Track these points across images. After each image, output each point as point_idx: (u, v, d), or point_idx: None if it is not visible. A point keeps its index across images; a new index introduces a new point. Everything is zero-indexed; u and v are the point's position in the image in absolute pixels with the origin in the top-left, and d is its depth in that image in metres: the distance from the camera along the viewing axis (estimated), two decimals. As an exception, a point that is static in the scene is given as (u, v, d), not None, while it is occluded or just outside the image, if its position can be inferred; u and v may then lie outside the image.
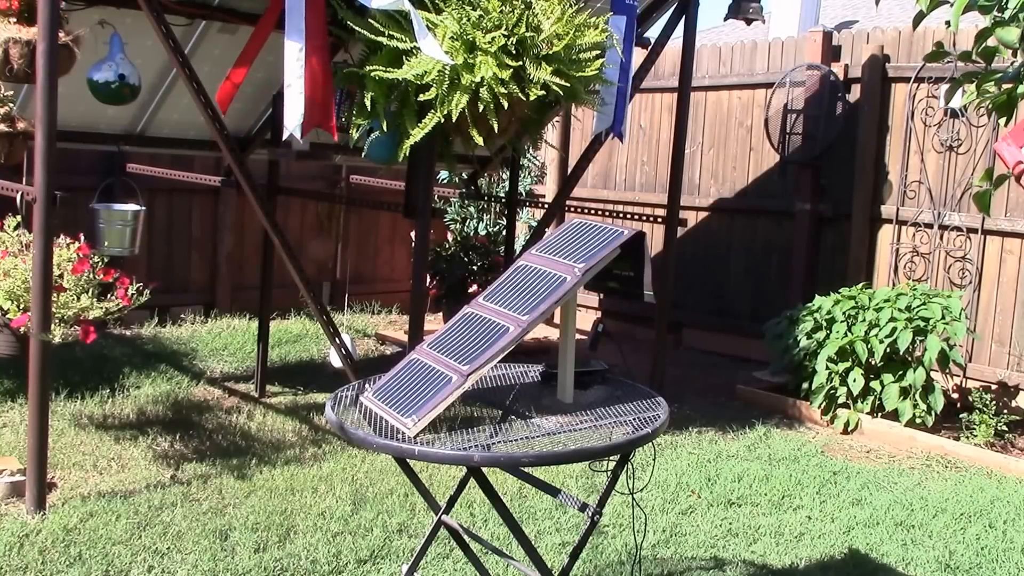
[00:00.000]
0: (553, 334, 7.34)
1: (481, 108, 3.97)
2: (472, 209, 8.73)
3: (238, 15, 4.81)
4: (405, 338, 6.49)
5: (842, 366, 5.93)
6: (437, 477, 4.60)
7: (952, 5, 2.81)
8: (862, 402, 5.91)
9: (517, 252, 6.90)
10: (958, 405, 6.17)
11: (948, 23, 2.90)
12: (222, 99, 4.32)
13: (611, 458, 2.58)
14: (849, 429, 5.91)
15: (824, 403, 6.01)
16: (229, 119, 5.28)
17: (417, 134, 4.08)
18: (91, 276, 4.46)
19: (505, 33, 3.94)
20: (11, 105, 4.30)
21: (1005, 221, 6.39)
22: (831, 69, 7.18)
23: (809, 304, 6.29)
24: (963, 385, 6.40)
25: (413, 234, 6.16)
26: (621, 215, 6.71)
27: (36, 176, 3.95)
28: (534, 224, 8.70)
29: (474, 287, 7.67)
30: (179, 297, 7.94)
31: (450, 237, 8.55)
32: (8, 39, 3.92)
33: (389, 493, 4.43)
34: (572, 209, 7.87)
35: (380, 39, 4.01)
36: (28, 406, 4.18)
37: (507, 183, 7.16)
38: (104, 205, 5.33)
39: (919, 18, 3.08)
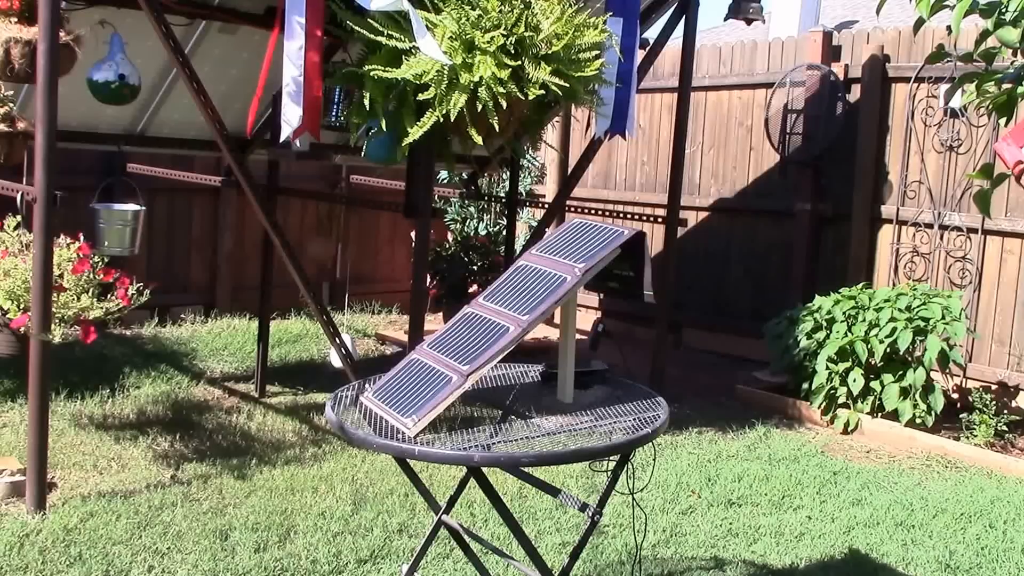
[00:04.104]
0: (553, 334, 7.34)
1: (480, 108, 3.97)
2: (472, 209, 8.74)
3: (238, 15, 4.81)
4: (405, 338, 6.49)
5: (842, 366, 5.93)
6: (437, 477, 4.60)
7: (952, 9, 2.81)
8: (862, 402, 5.91)
9: (517, 252, 6.90)
10: (958, 405, 6.17)
11: (949, 28, 2.91)
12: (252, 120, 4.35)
13: (611, 458, 2.58)
14: (849, 429, 5.91)
15: (824, 403, 6.01)
16: (229, 119, 5.29)
17: (415, 133, 4.08)
18: (91, 276, 4.46)
19: (504, 33, 3.94)
20: (11, 105, 4.30)
21: (1005, 221, 6.39)
22: (831, 69, 7.18)
23: (809, 304, 6.29)
24: (963, 385, 6.40)
25: (413, 234, 6.16)
26: (621, 215, 6.71)
27: (36, 176, 3.95)
28: (534, 224, 8.71)
29: (474, 287, 7.67)
30: (179, 297, 7.94)
31: (450, 237, 8.56)
32: (9, 39, 3.92)
33: (389, 493, 4.43)
34: (572, 209, 7.87)
35: (379, 39, 4.01)
36: (28, 406, 4.18)
37: (507, 183, 7.16)
38: (104, 205, 5.33)
39: (919, 23, 3.08)
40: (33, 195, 3.97)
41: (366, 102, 4.16)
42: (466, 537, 3.05)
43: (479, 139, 4.11)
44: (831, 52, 7.28)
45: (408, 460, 2.49)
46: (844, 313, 6.02)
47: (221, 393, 6.07)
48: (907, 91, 6.82)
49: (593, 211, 7.29)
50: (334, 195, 8.53)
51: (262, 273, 6.16)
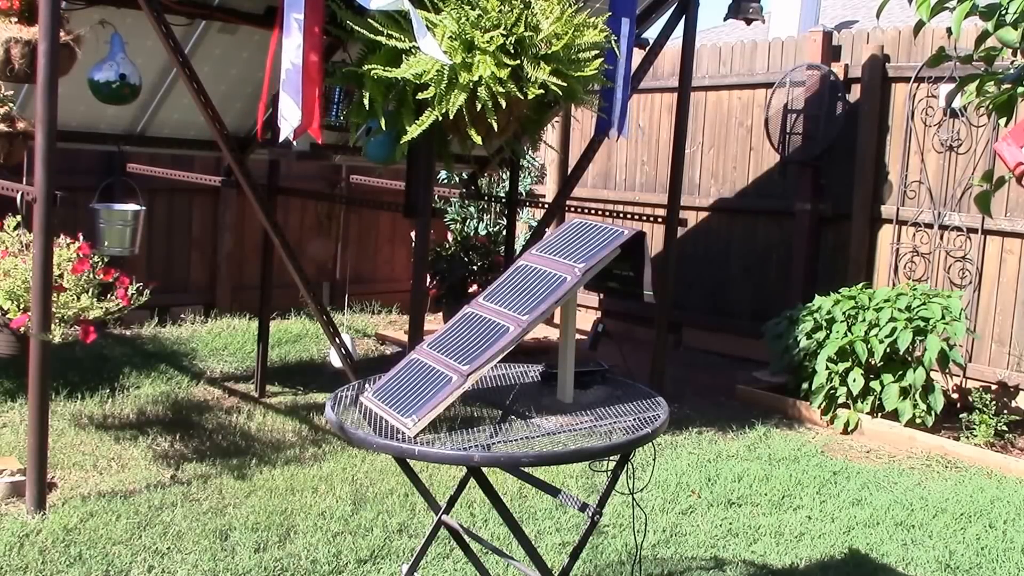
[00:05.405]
0: (553, 334, 7.34)
1: (479, 107, 3.97)
2: (472, 209, 8.74)
3: (238, 15, 4.81)
4: (405, 338, 6.49)
5: (842, 366, 5.93)
6: (437, 477, 4.60)
7: (952, 11, 2.81)
8: (862, 402, 5.91)
9: (517, 252, 6.90)
10: (958, 405, 6.17)
11: (949, 30, 2.91)
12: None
13: (611, 458, 2.58)
14: (849, 429, 5.91)
15: (824, 403, 6.01)
16: (229, 119, 5.29)
17: (414, 131, 4.08)
18: (91, 276, 4.46)
19: (504, 32, 3.94)
20: (11, 105, 4.30)
21: (1005, 221, 6.39)
22: (831, 69, 7.18)
23: (809, 304, 6.29)
24: (963, 385, 6.40)
25: (413, 234, 6.16)
26: (621, 215, 6.71)
27: (36, 176, 3.95)
28: (534, 224, 8.71)
29: (474, 287, 7.67)
30: (179, 297, 7.94)
31: (450, 237, 8.56)
32: (9, 39, 3.92)
33: (389, 493, 4.43)
34: (572, 209, 7.87)
35: (379, 38, 4.01)
36: (28, 406, 4.18)
37: (507, 183, 7.17)
38: (104, 205, 5.33)
39: (919, 26, 3.08)
40: (33, 195, 3.97)
41: (366, 102, 4.16)
42: (466, 537, 3.05)
43: (478, 139, 4.11)
44: (831, 52, 7.29)
45: (408, 460, 2.49)
46: (844, 313, 6.02)
47: (221, 393, 6.07)
48: (907, 91, 6.82)
49: (593, 211, 7.29)
50: (334, 195, 8.53)
51: (262, 273, 6.16)
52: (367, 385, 2.71)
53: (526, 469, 3.10)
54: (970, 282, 6.54)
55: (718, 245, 8.04)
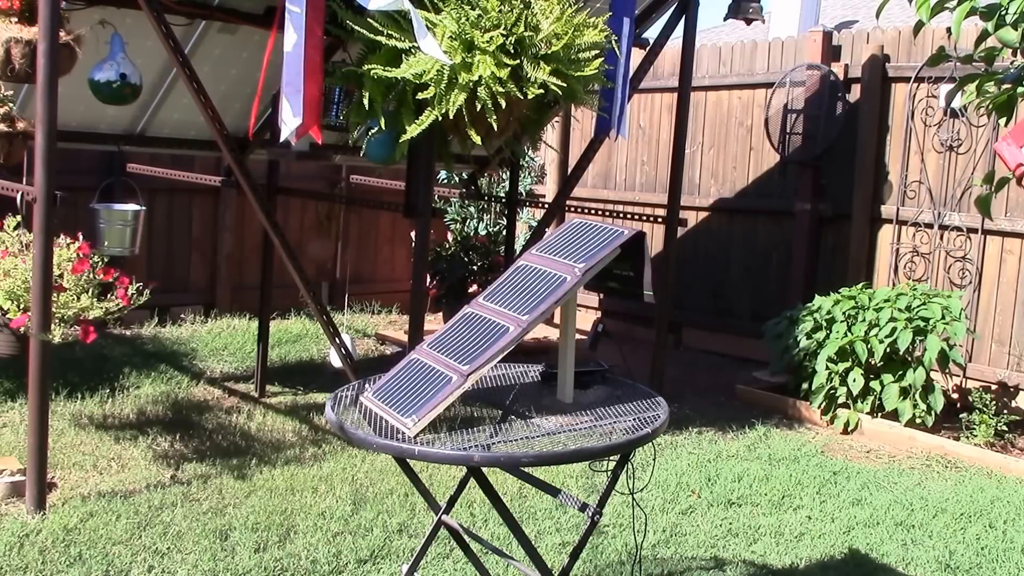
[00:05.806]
0: (553, 334, 7.34)
1: (479, 107, 3.97)
2: (472, 209, 8.74)
3: (238, 15, 4.81)
4: (405, 338, 6.49)
5: (842, 366, 5.93)
6: (437, 477, 4.60)
7: (952, 11, 2.81)
8: (862, 402, 5.91)
9: (517, 252, 6.90)
10: (958, 405, 6.17)
11: (949, 30, 2.91)
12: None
13: (611, 458, 2.58)
14: (849, 429, 5.91)
15: (824, 403, 6.01)
16: (229, 119, 5.29)
17: (413, 130, 4.08)
18: (91, 276, 4.46)
19: (504, 32, 3.94)
20: (11, 105, 4.30)
21: (1005, 221, 6.39)
22: (831, 69, 7.18)
23: (809, 304, 6.29)
24: (963, 385, 6.40)
25: (413, 234, 6.16)
26: (621, 215, 6.71)
27: (36, 176, 3.95)
28: (534, 224, 8.71)
29: (474, 287, 7.67)
30: (179, 297, 7.94)
31: (450, 237, 8.56)
32: (9, 39, 3.92)
33: (389, 493, 4.43)
34: (572, 209, 7.87)
35: (379, 38, 4.01)
36: (28, 406, 4.18)
37: (507, 183, 7.17)
38: (104, 205, 5.33)
39: (919, 27, 3.08)
40: (33, 195, 3.97)
41: (366, 102, 4.16)
42: (466, 537, 3.05)
43: (478, 139, 4.11)
44: (831, 52, 7.29)
45: (408, 460, 2.49)
46: (844, 313, 6.02)
47: (221, 393, 6.07)
48: (907, 91, 6.82)
49: (593, 211, 7.29)
50: (334, 195, 8.53)
51: (262, 273, 6.16)
52: (367, 385, 2.71)
53: (526, 469, 3.10)
54: (970, 282, 6.54)
55: (718, 245, 8.04)
